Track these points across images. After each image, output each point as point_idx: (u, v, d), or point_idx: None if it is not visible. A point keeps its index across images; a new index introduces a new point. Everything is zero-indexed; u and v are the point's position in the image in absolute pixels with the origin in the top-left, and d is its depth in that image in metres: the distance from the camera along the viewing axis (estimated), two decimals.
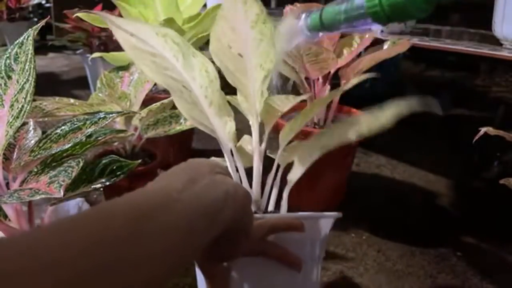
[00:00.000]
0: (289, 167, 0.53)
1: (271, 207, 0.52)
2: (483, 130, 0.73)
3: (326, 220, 0.46)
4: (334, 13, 0.37)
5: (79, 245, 0.22)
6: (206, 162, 0.35)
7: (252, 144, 0.51)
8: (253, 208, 0.49)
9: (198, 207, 0.28)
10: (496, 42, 1.05)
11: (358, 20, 0.35)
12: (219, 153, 0.48)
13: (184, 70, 0.47)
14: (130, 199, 0.27)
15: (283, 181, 0.53)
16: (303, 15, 0.40)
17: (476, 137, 0.73)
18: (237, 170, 0.50)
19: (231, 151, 0.50)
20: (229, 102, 0.51)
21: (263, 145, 0.52)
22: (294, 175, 0.51)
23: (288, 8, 1.00)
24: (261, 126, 0.53)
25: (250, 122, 0.51)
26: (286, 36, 0.45)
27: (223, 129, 0.50)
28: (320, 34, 0.41)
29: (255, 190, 0.50)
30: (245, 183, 0.50)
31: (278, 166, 0.54)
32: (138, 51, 0.48)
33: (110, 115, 0.64)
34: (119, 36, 0.48)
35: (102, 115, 0.64)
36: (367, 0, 0.33)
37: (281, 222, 0.39)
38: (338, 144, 0.47)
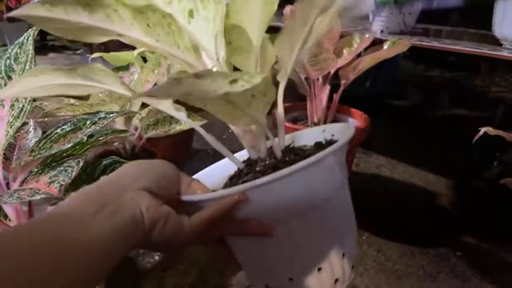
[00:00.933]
0: None
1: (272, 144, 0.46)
2: (483, 130, 0.73)
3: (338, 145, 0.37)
4: None
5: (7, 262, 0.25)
6: (127, 179, 0.35)
7: None
8: (253, 155, 0.44)
9: (108, 229, 0.31)
10: (496, 42, 1.05)
11: None
12: (218, 154, 0.48)
13: None
14: (47, 226, 0.30)
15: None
16: None
17: (476, 137, 0.73)
18: None
19: None
20: None
21: None
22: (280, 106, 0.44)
23: (288, 8, 1.00)
24: None
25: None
26: (352, 7, 0.42)
27: None
28: (387, 9, 0.39)
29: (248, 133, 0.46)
30: None
31: None
32: None
33: (110, 115, 0.64)
34: None
35: (102, 115, 0.64)
36: None
37: (217, 209, 0.36)
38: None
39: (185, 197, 0.38)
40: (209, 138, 0.43)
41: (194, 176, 0.44)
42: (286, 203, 0.37)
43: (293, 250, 0.39)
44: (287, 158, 0.42)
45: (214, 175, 0.47)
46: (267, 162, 0.43)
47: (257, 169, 0.42)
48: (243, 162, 0.45)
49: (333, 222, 0.39)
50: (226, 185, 0.45)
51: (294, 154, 0.43)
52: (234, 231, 0.39)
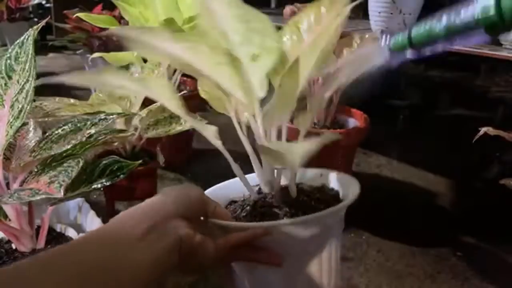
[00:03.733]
0: None
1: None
2: (483, 130, 0.73)
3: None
4: (429, 30, 0.36)
5: (58, 278, 0.30)
6: (169, 205, 0.38)
7: None
8: (266, 189, 0.49)
9: (151, 255, 0.35)
10: (496, 42, 1.05)
11: (464, 33, 0.33)
12: (219, 153, 0.48)
13: None
14: (99, 240, 0.34)
15: None
16: (383, 36, 0.40)
17: (476, 137, 0.73)
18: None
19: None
20: None
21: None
22: None
23: (288, 8, 1.00)
24: None
25: None
26: (365, 58, 0.44)
27: None
28: (406, 54, 0.39)
29: (266, 169, 0.49)
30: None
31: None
32: None
33: (111, 116, 0.64)
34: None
35: (102, 116, 0.64)
36: (482, 10, 0.31)
37: (242, 236, 0.41)
38: None
39: (223, 222, 0.42)
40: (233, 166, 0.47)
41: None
42: (300, 241, 0.42)
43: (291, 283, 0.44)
44: (300, 199, 0.47)
45: (218, 194, 0.51)
46: (281, 198, 0.47)
47: (274, 204, 0.47)
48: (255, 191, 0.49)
49: (325, 264, 0.46)
50: (236, 208, 0.49)
51: (304, 195, 0.48)
52: (250, 258, 0.43)
